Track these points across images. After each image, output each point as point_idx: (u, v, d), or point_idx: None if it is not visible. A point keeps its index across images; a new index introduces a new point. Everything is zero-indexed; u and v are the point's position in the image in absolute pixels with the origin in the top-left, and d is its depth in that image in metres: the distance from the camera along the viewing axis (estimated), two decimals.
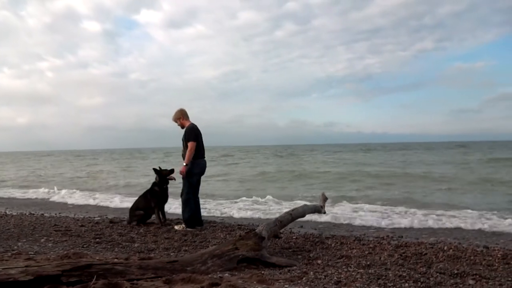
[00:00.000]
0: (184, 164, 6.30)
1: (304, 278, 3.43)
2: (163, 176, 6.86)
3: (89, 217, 8.01)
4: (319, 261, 4.21)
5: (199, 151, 6.43)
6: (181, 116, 6.57)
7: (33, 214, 8.48)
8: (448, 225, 6.83)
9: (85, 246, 5.24)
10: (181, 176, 6.40)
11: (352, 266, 3.97)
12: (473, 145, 64.47)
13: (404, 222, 7.06)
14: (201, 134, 6.54)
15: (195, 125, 6.55)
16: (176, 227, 6.47)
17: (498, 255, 4.48)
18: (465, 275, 3.66)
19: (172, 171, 6.92)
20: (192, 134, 6.36)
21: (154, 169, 6.95)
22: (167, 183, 6.89)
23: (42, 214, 8.51)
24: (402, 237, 5.80)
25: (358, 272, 3.62)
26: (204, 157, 6.58)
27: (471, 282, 3.48)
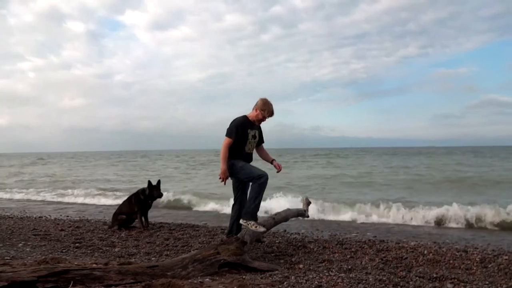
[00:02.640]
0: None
1: (285, 283, 3.42)
2: (152, 194, 6.73)
3: (70, 221, 7.86)
4: (300, 266, 4.22)
5: None
6: None
7: (12, 217, 8.29)
8: None
9: (64, 250, 5.14)
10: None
11: (333, 270, 3.99)
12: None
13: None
14: None
15: None
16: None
17: (476, 259, 4.56)
18: (443, 279, 3.71)
19: (161, 195, 6.83)
20: None
21: (149, 182, 6.81)
22: (153, 200, 6.81)
23: (21, 217, 8.32)
24: (383, 241, 5.85)
25: (339, 277, 3.63)
26: None
27: (449, 286, 3.53)
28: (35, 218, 8.34)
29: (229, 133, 4.84)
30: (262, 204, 5.02)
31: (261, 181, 4.69)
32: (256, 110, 4.96)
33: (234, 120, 4.93)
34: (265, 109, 4.93)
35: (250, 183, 4.84)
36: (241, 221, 4.69)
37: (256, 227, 4.60)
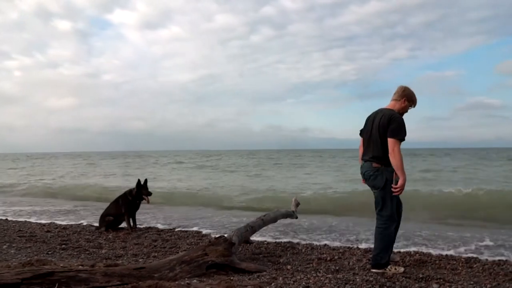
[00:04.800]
0: None
1: (273, 284, 3.43)
2: (140, 193, 6.69)
3: (56, 223, 7.77)
4: (288, 267, 4.23)
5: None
6: None
7: None
8: None
9: (50, 252, 5.07)
10: None
11: (321, 271, 4.01)
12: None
13: None
14: (367, 125, 4.23)
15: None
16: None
17: (462, 259, 4.63)
18: (429, 279, 3.75)
19: (150, 194, 6.74)
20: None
21: (139, 180, 6.77)
22: (141, 199, 6.77)
23: (6, 219, 8.19)
24: (370, 239, 5.89)
25: (326, 277, 3.65)
26: (365, 159, 4.20)
27: (435, 286, 3.57)
28: (21, 219, 8.21)
29: (402, 135, 3.92)
30: None
31: (393, 227, 4.05)
32: (404, 101, 4.10)
33: (396, 117, 3.98)
34: (415, 99, 4.16)
35: (379, 215, 4.08)
36: (373, 271, 4.01)
37: (395, 269, 4.00)
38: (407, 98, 4.10)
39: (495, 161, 32.30)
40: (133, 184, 6.85)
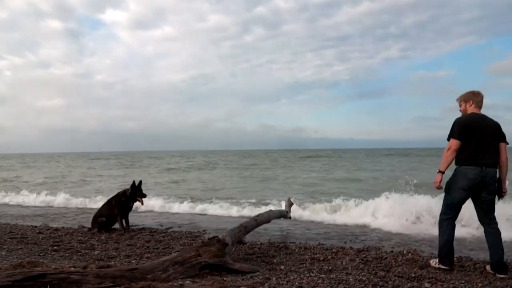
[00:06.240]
0: (439, 170, 4.18)
1: (266, 284, 3.43)
2: (134, 194, 6.71)
3: (47, 224, 7.70)
4: (282, 267, 4.23)
5: (470, 154, 4.06)
6: (464, 99, 4.29)
7: None
8: None
9: (41, 254, 5.03)
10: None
11: (314, 271, 4.01)
12: None
13: None
14: (480, 129, 4.05)
15: (471, 116, 4.18)
16: (431, 262, 4.39)
17: (454, 259, 4.66)
18: (421, 278, 3.78)
19: (144, 196, 6.78)
20: (455, 128, 4.17)
21: (134, 182, 6.77)
22: (135, 201, 6.75)
23: None
24: (364, 240, 5.92)
25: (320, 277, 3.65)
26: (481, 165, 4.02)
27: (427, 285, 3.60)
28: (11, 221, 8.13)
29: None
30: None
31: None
32: None
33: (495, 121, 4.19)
34: None
35: (493, 218, 4.15)
36: (502, 276, 3.98)
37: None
38: None
39: None
40: None
